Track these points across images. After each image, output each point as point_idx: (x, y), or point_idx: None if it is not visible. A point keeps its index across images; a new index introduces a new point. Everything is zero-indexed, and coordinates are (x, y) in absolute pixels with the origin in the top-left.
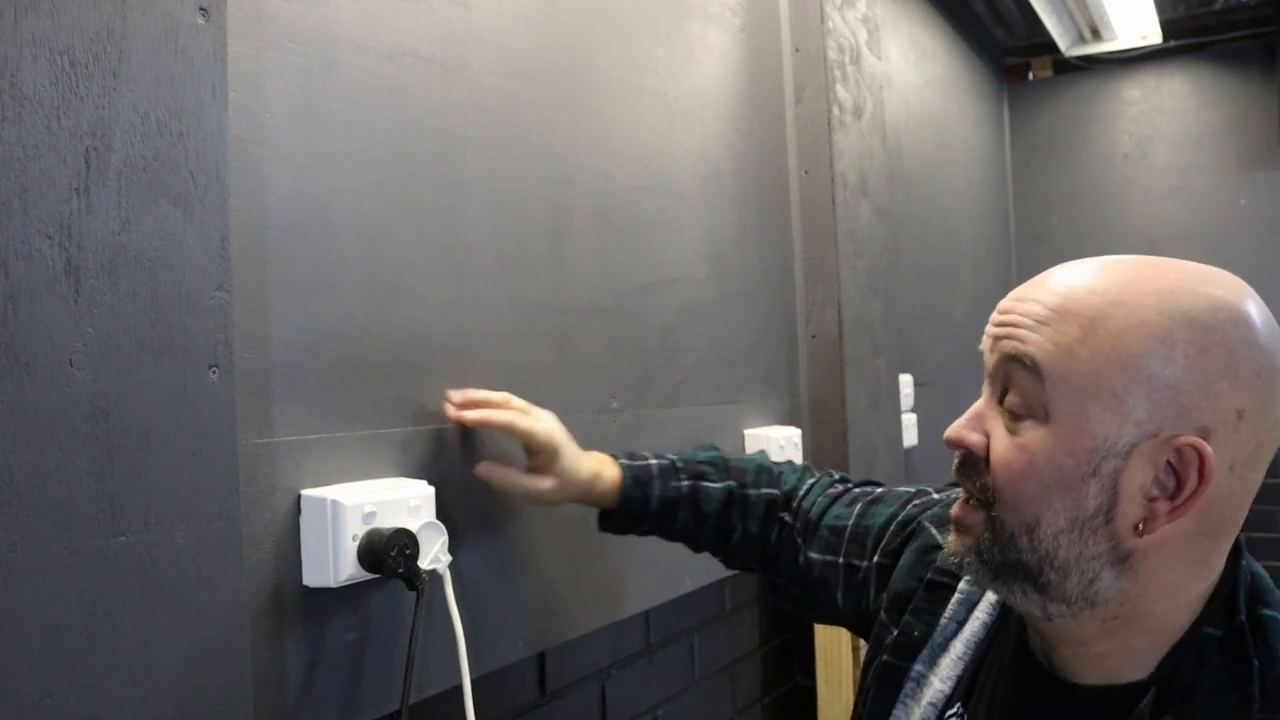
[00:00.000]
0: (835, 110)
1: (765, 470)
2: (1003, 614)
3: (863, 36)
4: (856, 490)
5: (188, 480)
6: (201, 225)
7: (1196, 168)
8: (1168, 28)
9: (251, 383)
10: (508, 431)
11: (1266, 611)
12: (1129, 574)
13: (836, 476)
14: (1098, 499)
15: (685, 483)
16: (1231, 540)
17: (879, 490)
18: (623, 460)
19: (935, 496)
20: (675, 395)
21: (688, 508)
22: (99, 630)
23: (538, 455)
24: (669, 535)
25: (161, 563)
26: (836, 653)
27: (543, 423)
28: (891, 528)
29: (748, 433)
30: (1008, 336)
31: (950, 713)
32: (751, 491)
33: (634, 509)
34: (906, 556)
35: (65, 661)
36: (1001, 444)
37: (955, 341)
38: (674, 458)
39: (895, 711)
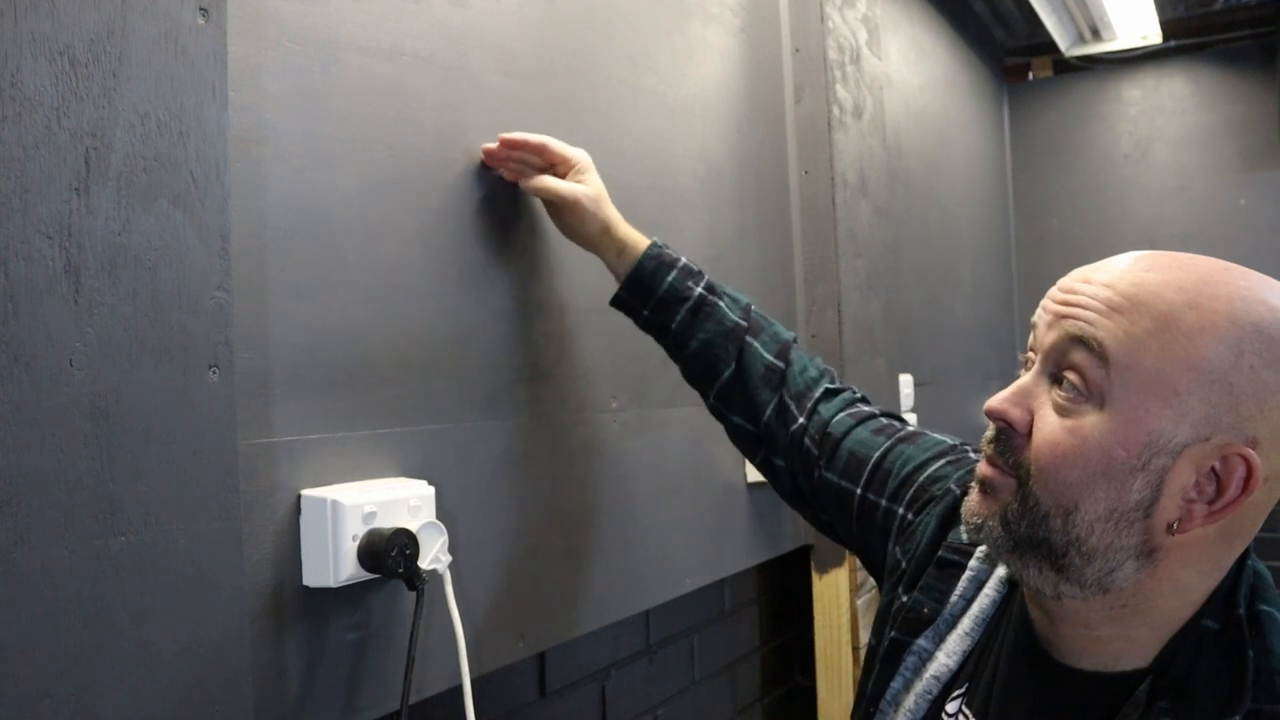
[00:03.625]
0: (835, 110)
1: (783, 342)
2: (1009, 591)
3: (863, 36)
4: (884, 419)
5: (188, 480)
6: (201, 225)
7: (1196, 168)
8: (1168, 28)
9: (251, 383)
10: (543, 151)
11: (1264, 608)
12: (1148, 568)
13: (859, 394)
14: (1141, 493)
15: (700, 290)
16: (1245, 545)
17: (909, 429)
18: (657, 240)
19: (971, 457)
20: (675, 395)
21: (690, 313)
22: (99, 630)
23: (572, 167)
24: (664, 335)
25: (161, 563)
26: (836, 653)
27: (580, 150)
28: (920, 480)
29: None
30: (1074, 317)
31: (957, 692)
32: (758, 344)
33: (641, 284)
34: (930, 522)
35: (65, 661)
36: (1050, 424)
37: (955, 341)
38: (707, 274)
39: (893, 684)
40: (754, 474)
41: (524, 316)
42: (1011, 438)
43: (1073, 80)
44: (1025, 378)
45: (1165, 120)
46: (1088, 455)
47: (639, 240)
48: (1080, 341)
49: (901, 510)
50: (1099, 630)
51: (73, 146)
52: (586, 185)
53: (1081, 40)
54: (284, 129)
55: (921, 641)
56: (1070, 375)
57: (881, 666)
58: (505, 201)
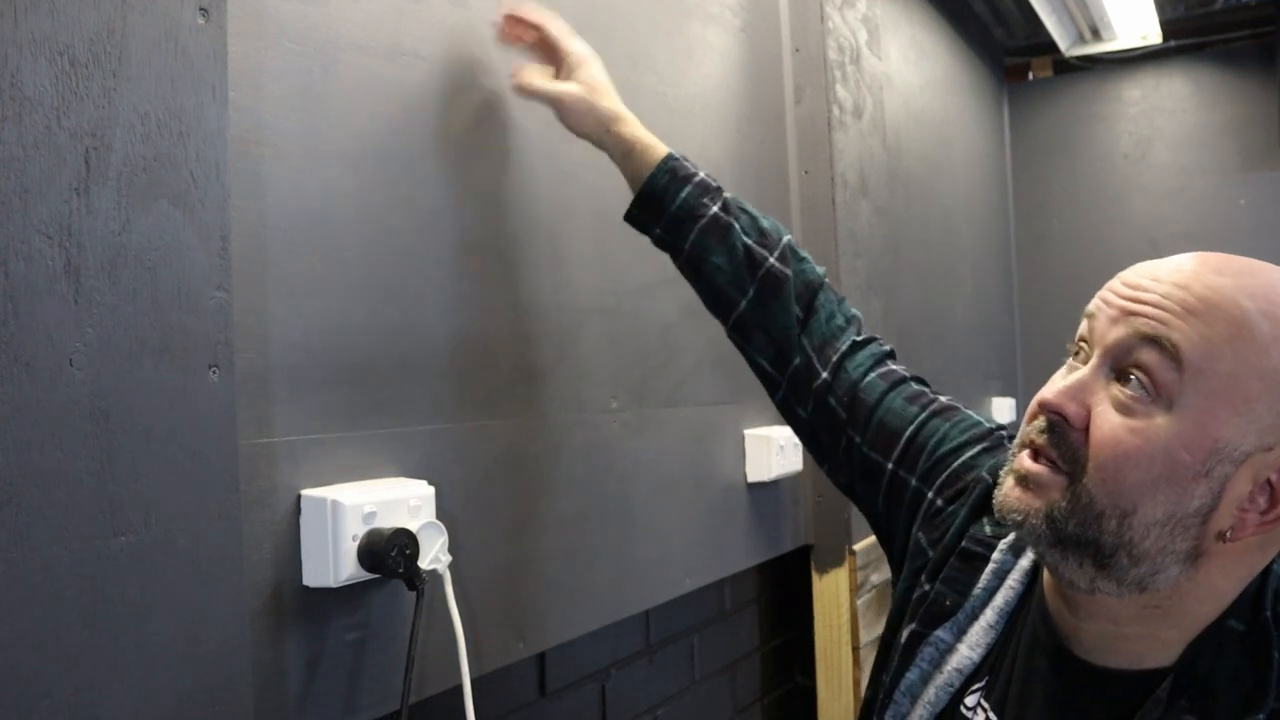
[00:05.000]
0: (835, 110)
1: (807, 281)
2: (1033, 580)
3: (863, 36)
4: (916, 386)
5: (188, 480)
6: (201, 225)
7: (1196, 168)
8: (1168, 28)
9: (251, 383)
10: (541, 36)
11: None
12: (1189, 571)
13: (887, 348)
14: (1202, 499)
15: (716, 208)
16: (1278, 551)
17: (944, 401)
18: (673, 152)
19: (1008, 446)
20: (675, 395)
21: (704, 232)
22: (99, 630)
23: (564, 61)
24: (677, 256)
25: (161, 563)
26: (836, 653)
27: (578, 43)
28: (954, 466)
29: (748, 433)
30: (1146, 315)
31: (976, 686)
32: (780, 270)
33: (653, 199)
34: (961, 513)
35: (65, 661)
36: (1111, 423)
37: (955, 341)
38: (726, 190)
39: (909, 675)
40: (754, 474)
41: (524, 316)
42: (1067, 432)
43: (1073, 80)
44: (1083, 372)
45: (1165, 120)
46: (1152, 457)
47: (652, 146)
48: (1152, 341)
49: (931, 494)
50: (1127, 628)
51: (73, 146)
52: (577, 82)
53: (1081, 40)
54: (284, 129)
55: (940, 633)
56: (1138, 374)
57: (901, 658)
58: (505, 201)
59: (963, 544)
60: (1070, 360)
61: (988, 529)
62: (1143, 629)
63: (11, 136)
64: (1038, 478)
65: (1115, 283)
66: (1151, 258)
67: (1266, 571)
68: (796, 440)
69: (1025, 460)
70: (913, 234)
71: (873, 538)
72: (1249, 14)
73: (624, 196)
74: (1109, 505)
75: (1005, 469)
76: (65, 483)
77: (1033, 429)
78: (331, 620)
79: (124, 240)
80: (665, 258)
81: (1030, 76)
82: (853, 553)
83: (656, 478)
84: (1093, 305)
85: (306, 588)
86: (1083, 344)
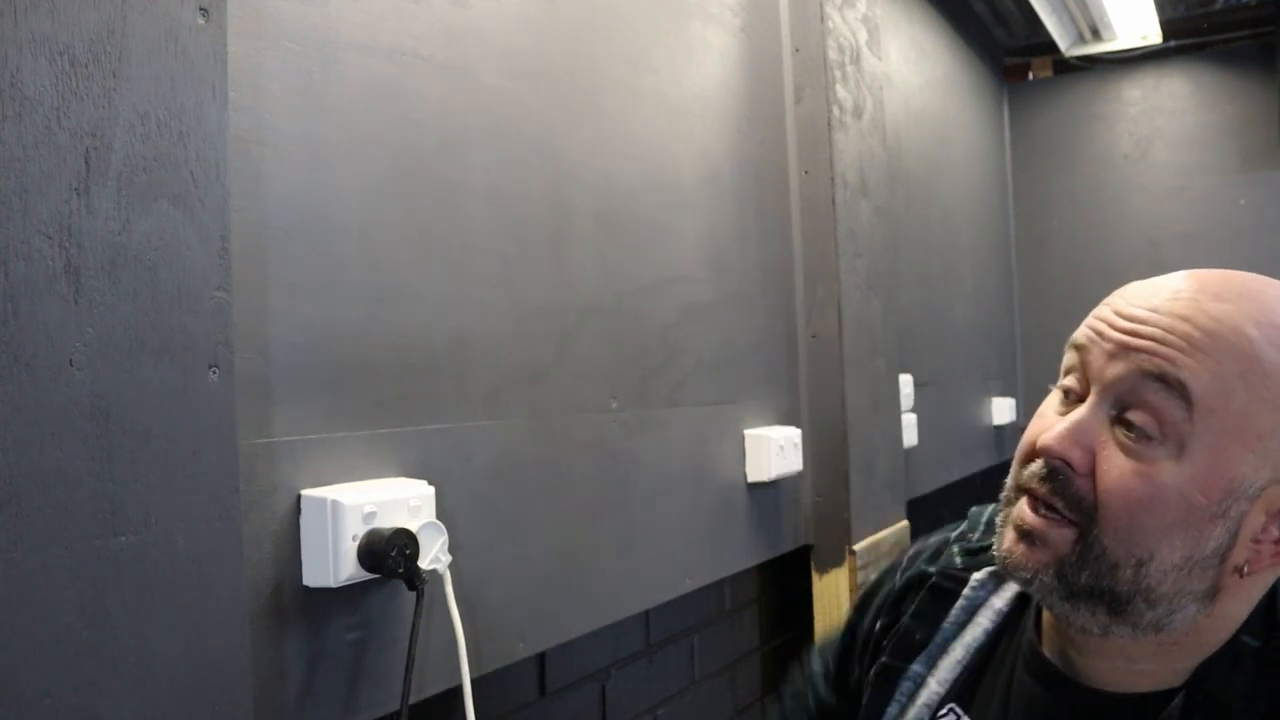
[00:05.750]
0: (835, 110)
1: None
2: (1007, 621)
3: (863, 36)
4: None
5: (188, 480)
6: (201, 225)
7: (1196, 168)
8: (1168, 28)
9: (251, 383)
10: None
11: None
12: (1207, 608)
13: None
14: (1219, 540)
15: None
16: None
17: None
18: None
19: (891, 580)
20: (675, 395)
21: None
22: (99, 630)
23: None
24: None
25: (161, 563)
26: None
27: None
28: (848, 647)
29: (748, 433)
30: (1149, 352)
31: (942, 712)
32: None
33: None
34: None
35: (65, 661)
36: (1120, 469)
37: (955, 341)
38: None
39: (889, 709)
40: (754, 474)
41: (524, 316)
42: (1071, 479)
43: (1073, 80)
44: (1081, 412)
45: (1165, 120)
46: (1166, 503)
47: None
48: (1159, 379)
49: (859, 672)
50: (1141, 665)
51: (73, 146)
52: None
53: (1081, 40)
54: (284, 129)
55: (916, 667)
56: (1141, 415)
57: (875, 691)
58: (505, 201)
59: (934, 579)
60: (1060, 395)
61: (958, 560)
62: (1158, 664)
63: (11, 136)
64: (1043, 533)
65: (1107, 311)
66: (1151, 258)
67: (1276, 585)
68: (797, 440)
69: (1026, 512)
70: (913, 234)
71: (873, 538)
72: (1249, 14)
73: (624, 197)
74: (1123, 555)
75: (1001, 515)
76: (65, 483)
77: (1030, 475)
78: (331, 620)
79: (124, 240)
80: (666, 258)
81: (1030, 76)
82: (853, 553)
83: (656, 478)
84: (1082, 336)
85: (306, 588)
86: (1070, 378)
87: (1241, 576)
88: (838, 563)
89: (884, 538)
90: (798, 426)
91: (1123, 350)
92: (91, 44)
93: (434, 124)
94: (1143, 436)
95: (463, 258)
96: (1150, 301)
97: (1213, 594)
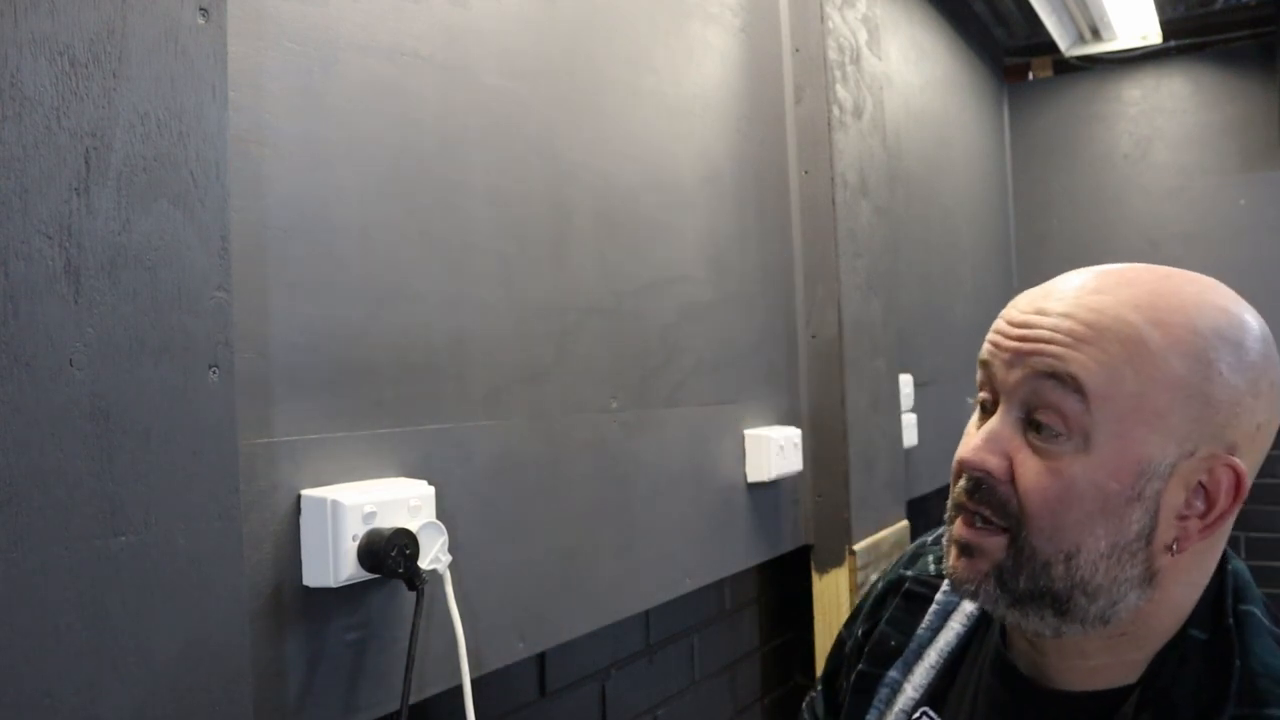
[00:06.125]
0: (835, 110)
1: None
2: (978, 624)
3: (863, 36)
4: None
5: (188, 480)
6: (201, 225)
7: (1196, 168)
8: (1168, 28)
9: (251, 383)
10: None
11: (1244, 607)
12: (1148, 593)
13: None
14: (1140, 523)
15: None
16: (1224, 547)
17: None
18: None
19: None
20: (675, 395)
21: None
22: (99, 630)
23: None
24: None
25: (161, 563)
26: None
27: None
28: (841, 665)
29: (748, 433)
30: (1039, 353)
31: (917, 716)
32: None
33: None
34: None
35: (65, 661)
36: (1034, 469)
37: (955, 341)
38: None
39: (868, 716)
40: (754, 474)
41: (524, 316)
42: (994, 487)
43: (1073, 80)
44: (993, 422)
45: (1165, 120)
46: (1081, 496)
47: None
48: (1052, 377)
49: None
50: (1095, 660)
51: (73, 146)
52: None
53: (1081, 40)
54: (284, 129)
55: (893, 673)
56: (1045, 414)
57: (854, 697)
58: (505, 201)
59: (907, 585)
60: (978, 411)
61: (932, 568)
62: (1111, 657)
63: (11, 136)
64: (978, 544)
65: (1001, 324)
66: (1151, 258)
67: (1224, 573)
68: (797, 440)
69: (960, 528)
70: (913, 234)
71: (873, 538)
72: (1249, 14)
73: (624, 197)
74: (1052, 552)
75: (946, 538)
76: (65, 483)
77: (959, 491)
78: (331, 620)
79: (124, 240)
80: (666, 258)
81: (1030, 76)
82: (853, 553)
83: (656, 478)
84: (985, 352)
85: (306, 588)
86: (985, 393)
87: (1174, 555)
88: (838, 563)
89: (884, 538)
90: (798, 426)
91: (1018, 356)
92: (91, 44)
93: (434, 124)
94: (1050, 435)
95: (463, 258)
96: (1036, 305)
97: (1150, 578)
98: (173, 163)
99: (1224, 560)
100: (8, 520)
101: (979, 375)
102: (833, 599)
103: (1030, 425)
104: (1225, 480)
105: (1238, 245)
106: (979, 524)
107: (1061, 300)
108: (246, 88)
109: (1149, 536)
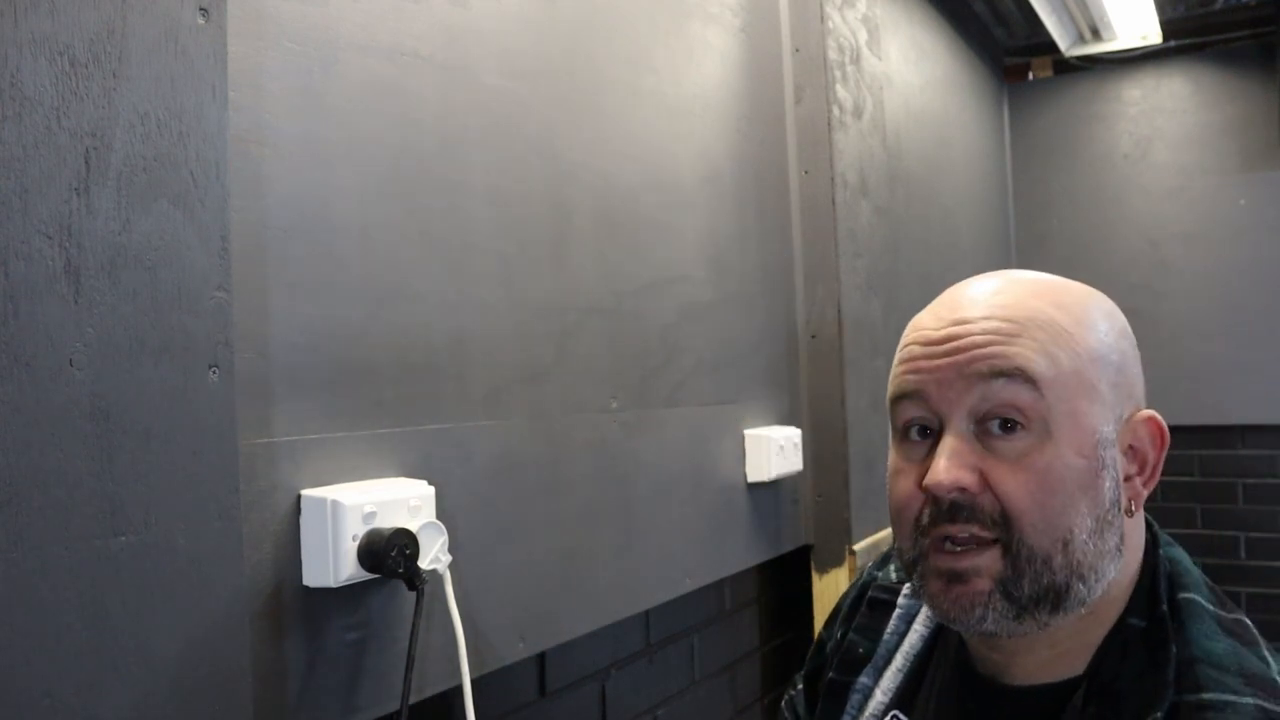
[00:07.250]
0: (835, 110)
1: None
2: (940, 626)
3: (863, 36)
4: None
5: (188, 480)
6: (201, 225)
7: (1196, 168)
8: (1168, 28)
9: (251, 383)
10: None
11: (1184, 595)
12: (1118, 561)
13: None
14: (1111, 491)
15: None
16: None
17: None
18: None
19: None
20: (675, 395)
21: None
22: (99, 630)
23: None
24: None
25: (161, 563)
26: None
27: None
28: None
29: (748, 433)
30: (979, 358)
31: (888, 719)
32: None
33: None
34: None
35: (65, 661)
36: (1007, 471)
37: None
38: None
39: None
40: (754, 474)
41: (524, 316)
42: (976, 500)
43: (1073, 80)
44: (947, 441)
45: (1165, 120)
46: (1061, 478)
47: None
48: (1000, 375)
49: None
50: (1063, 645)
51: (73, 146)
52: None
53: (1081, 40)
54: (284, 129)
55: (863, 679)
56: (1003, 412)
57: (825, 703)
58: (505, 201)
59: (870, 593)
60: (905, 449)
61: (894, 575)
62: (1073, 641)
63: (11, 136)
64: (970, 566)
65: (915, 349)
66: (1151, 258)
67: (1155, 559)
68: (797, 440)
69: (943, 558)
70: (913, 234)
71: (873, 538)
72: (1249, 14)
73: (624, 197)
74: (1049, 544)
75: (917, 582)
76: (65, 483)
77: (930, 520)
78: (331, 620)
79: (124, 240)
80: (666, 258)
81: (1030, 76)
82: (853, 553)
83: (656, 478)
84: (908, 383)
85: (306, 588)
86: (917, 423)
87: (1130, 517)
88: (838, 563)
89: (884, 538)
90: (798, 426)
91: (955, 369)
92: (91, 44)
93: (434, 124)
94: (1012, 431)
95: (463, 258)
96: (951, 319)
97: (1119, 546)
98: (173, 163)
99: (1155, 545)
100: (8, 520)
101: (900, 412)
102: (833, 599)
103: (986, 433)
104: (1147, 433)
105: (1238, 245)
106: (967, 543)
107: (975, 306)
108: (246, 88)
109: (1116, 501)
